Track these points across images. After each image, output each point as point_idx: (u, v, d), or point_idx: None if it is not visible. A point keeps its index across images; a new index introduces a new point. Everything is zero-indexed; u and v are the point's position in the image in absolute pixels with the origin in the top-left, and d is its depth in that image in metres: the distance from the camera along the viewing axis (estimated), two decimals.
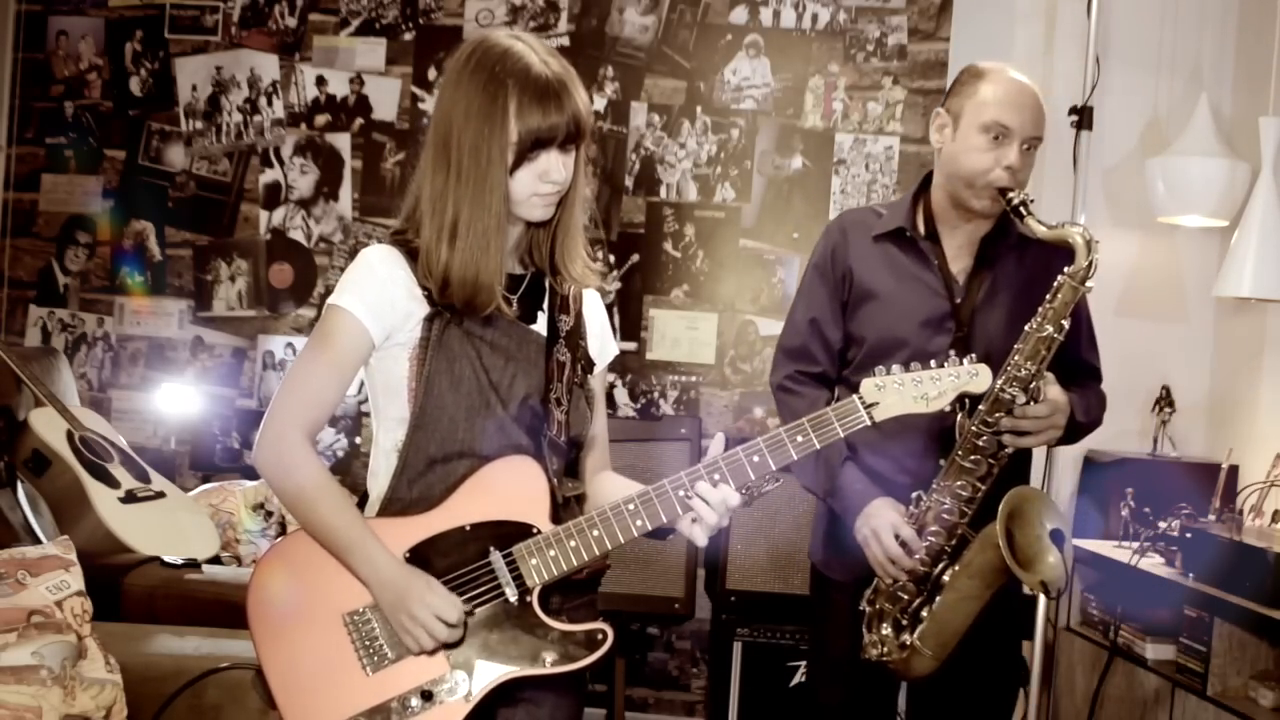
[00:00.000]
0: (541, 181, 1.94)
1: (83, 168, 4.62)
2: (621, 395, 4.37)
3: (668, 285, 4.43)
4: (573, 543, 1.93)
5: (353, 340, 1.95)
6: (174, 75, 4.57)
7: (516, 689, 1.96)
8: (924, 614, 2.49)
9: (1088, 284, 2.40)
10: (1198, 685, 2.98)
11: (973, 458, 2.43)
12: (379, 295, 1.95)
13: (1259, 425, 3.64)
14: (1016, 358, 2.41)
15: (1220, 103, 3.83)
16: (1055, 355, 2.44)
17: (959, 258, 2.60)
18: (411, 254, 1.97)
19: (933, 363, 2.00)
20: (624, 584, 3.84)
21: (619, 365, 4.34)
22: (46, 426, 3.49)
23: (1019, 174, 2.50)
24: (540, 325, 2.04)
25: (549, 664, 1.92)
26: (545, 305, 2.06)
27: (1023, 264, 2.58)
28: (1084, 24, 3.79)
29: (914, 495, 2.50)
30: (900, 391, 1.96)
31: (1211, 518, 3.24)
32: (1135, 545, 3.25)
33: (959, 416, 2.45)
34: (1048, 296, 2.41)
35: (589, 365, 2.10)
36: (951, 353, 2.05)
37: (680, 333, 4.43)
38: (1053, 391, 2.43)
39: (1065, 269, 2.40)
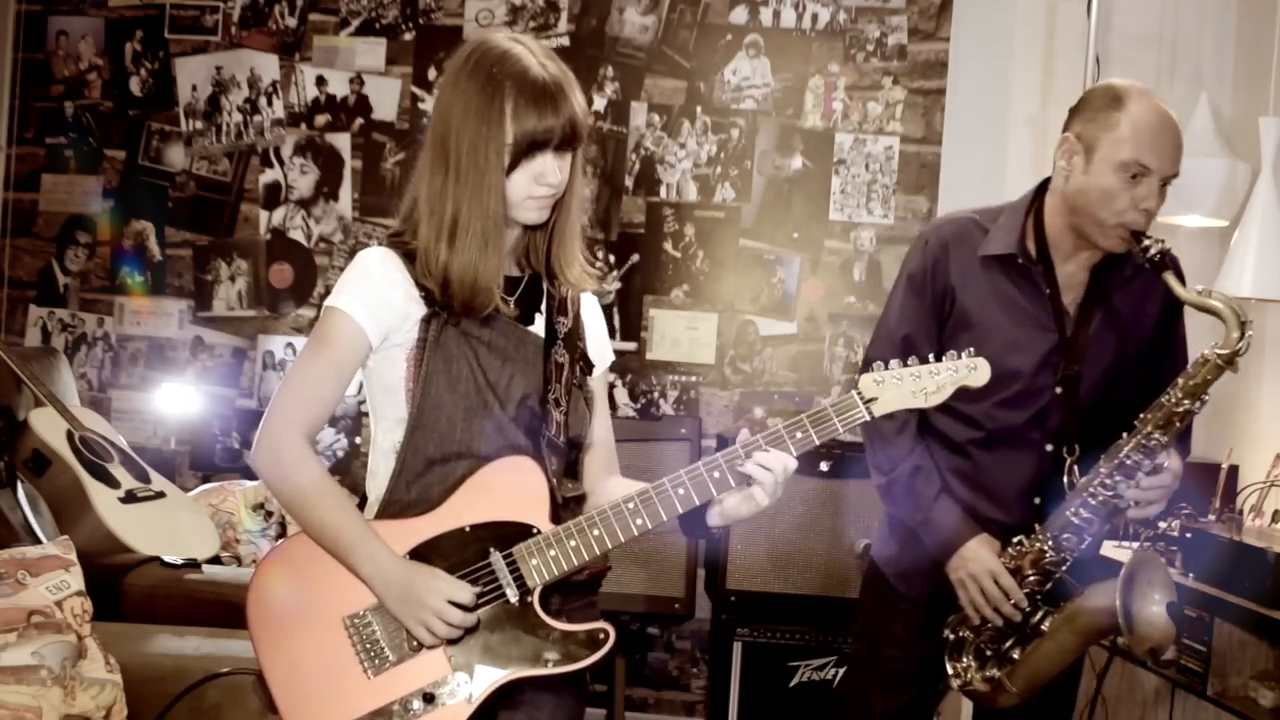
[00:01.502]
0: (537, 184, 1.94)
1: (83, 168, 4.62)
2: (621, 395, 4.37)
3: (668, 285, 4.43)
4: (573, 542, 1.93)
5: (350, 341, 1.96)
6: (174, 75, 4.57)
7: (517, 691, 1.95)
8: (1015, 654, 2.44)
9: (1235, 364, 2.29)
10: (1198, 685, 2.98)
11: (1085, 515, 2.38)
12: (376, 297, 1.95)
13: (1259, 425, 3.64)
14: (1148, 427, 2.32)
15: (1220, 103, 3.83)
16: (1145, 374, 2.42)
17: (1070, 287, 2.46)
18: (409, 255, 1.97)
19: (930, 357, 1.96)
20: (624, 584, 3.84)
21: (619, 365, 4.34)
22: (46, 426, 3.49)
23: (1152, 216, 2.37)
24: (538, 327, 2.04)
25: (551, 664, 1.92)
26: (543, 307, 2.06)
27: (1131, 293, 2.47)
28: (1084, 24, 3.79)
29: (1015, 540, 2.44)
30: (899, 387, 1.94)
31: (1211, 518, 3.24)
32: (1135, 545, 3.24)
33: (1069, 460, 2.40)
34: (1189, 369, 2.31)
35: (588, 367, 2.10)
36: (952, 352, 1.99)
37: (680, 333, 4.43)
38: (1174, 462, 2.37)
39: (1214, 346, 2.29)
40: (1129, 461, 2.33)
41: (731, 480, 1.93)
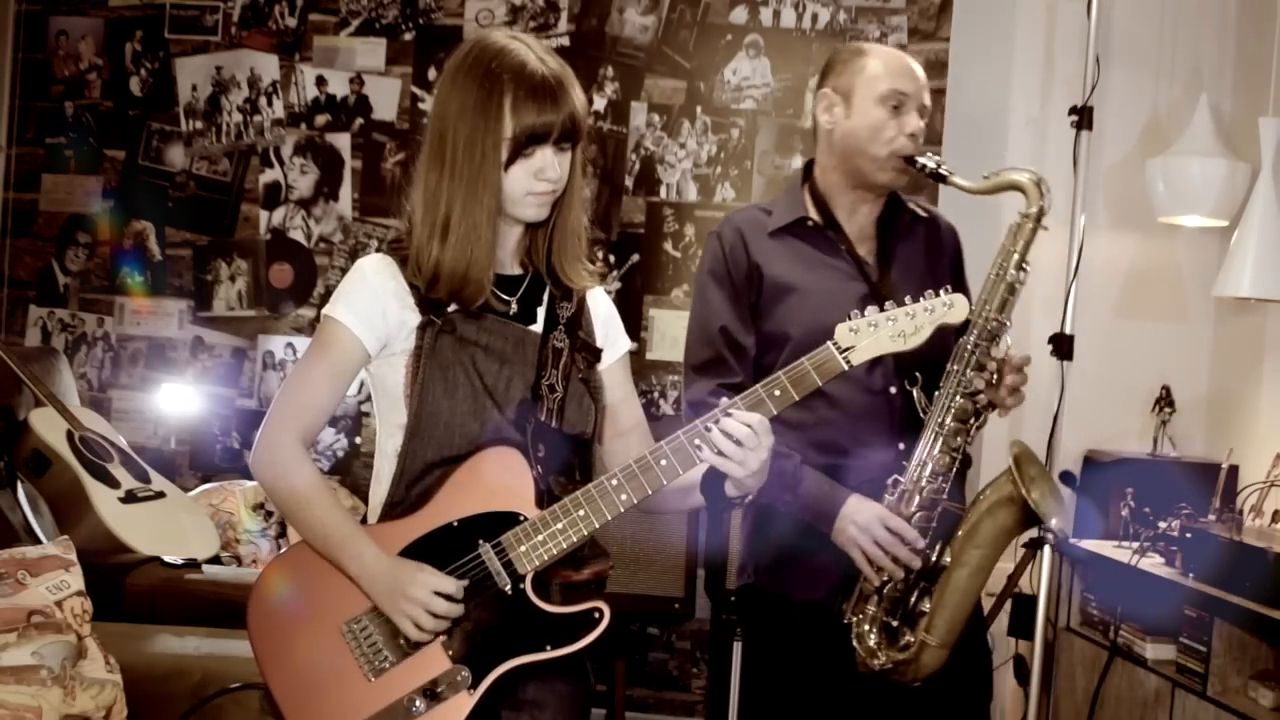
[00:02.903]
0: (536, 179, 1.95)
1: (83, 168, 4.62)
2: None
3: (668, 285, 4.43)
4: (559, 525, 1.92)
5: (346, 350, 1.98)
6: (174, 75, 4.57)
7: (520, 690, 1.96)
8: (924, 605, 2.38)
9: (1042, 221, 2.37)
10: (1198, 685, 2.98)
11: (950, 424, 2.37)
12: (370, 306, 1.97)
13: (1259, 425, 3.64)
14: (987, 310, 2.37)
15: (1220, 103, 3.83)
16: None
17: (861, 241, 2.54)
18: (405, 261, 1.99)
19: (907, 299, 1.94)
20: (624, 584, 3.84)
21: None
22: (46, 426, 3.49)
23: (919, 140, 2.48)
24: (538, 325, 2.04)
25: (549, 648, 1.92)
26: (544, 302, 2.05)
27: (918, 240, 2.57)
28: (1084, 24, 3.79)
29: (891, 479, 2.39)
30: (876, 333, 1.91)
31: (1211, 518, 3.24)
32: (1135, 545, 3.25)
33: (914, 391, 2.41)
34: (1005, 242, 2.39)
35: (593, 353, 2.09)
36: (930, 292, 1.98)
37: (680, 333, 4.39)
38: (1017, 353, 2.39)
39: (1019, 211, 2.38)
40: (978, 351, 2.36)
41: (713, 446, 1.91)
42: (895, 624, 2.40)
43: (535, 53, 1.96)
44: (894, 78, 2.47)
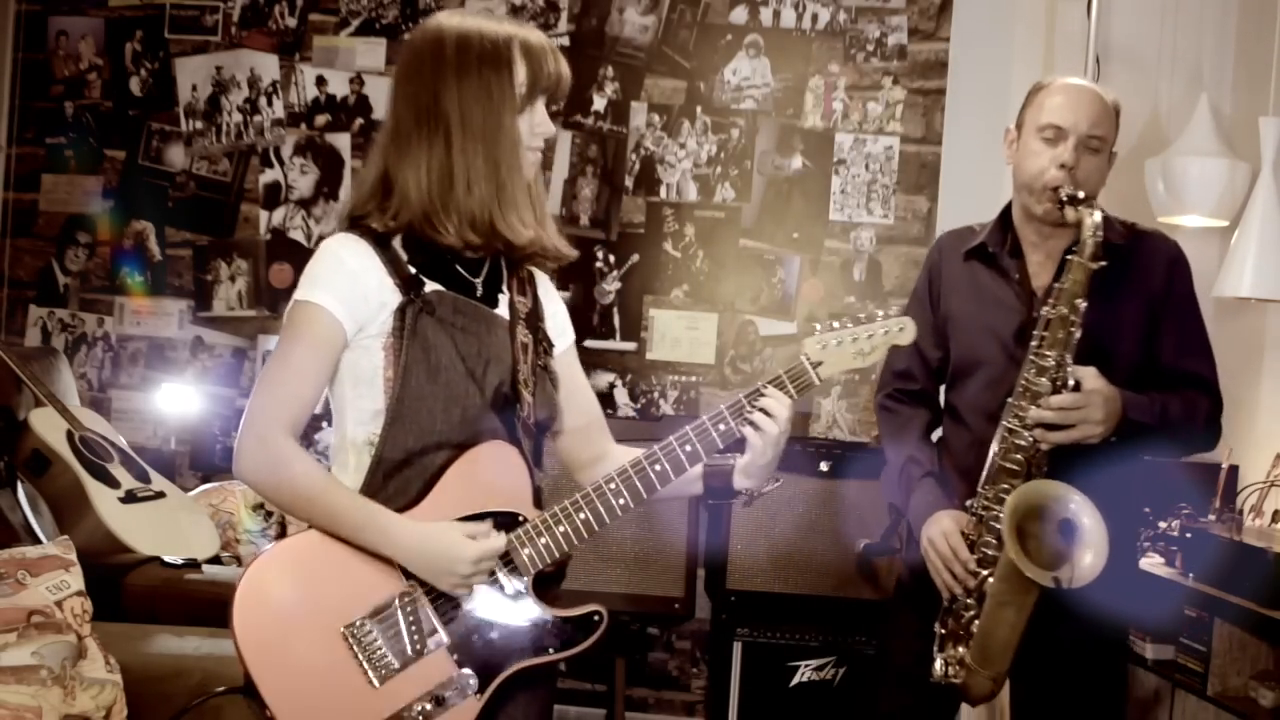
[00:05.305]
0: (532, 134, 1.97)
1: (83, 168, 4.62)
2: (621, 395, 4.37)
3: (668, 285, 4.43)
4: (562, 529, 1.93)
5: (327, 335, 1.91)
6: (174, 75, 4.57)
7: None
8: (973, 628, 2.41)
9: (1093, 261, 2.33)
10: (1198, 685, 2.98)
11: (1013, 457, 2.37)
12: (351, 288, 1.91)
13: (1259, 425, 3.64)
14: (1037, 345, 2.36)
15: (1220, 103, 3.83)
16: (1146, 362, 2.45)
17: (1041, 273, 2.53)
18: (378, 240, 1.94)
19: (861, 316, 2.03)
20: (624, 584, 3.84)
21: (619, 365, 4.34)
22: (46, 426, 3.49)
23: (1076, 172, 2.44)
24: (502, 309, 2.02)
25: (552, 651, 1.93)
26: (504, 289, 2.04)
27: (1106, 277, 2.45)
28: (1084, 24, 3.80)
29: (968, 503, 2.44)
30: (840, 350, 2.01)
31: (1211, 518, 3.24)
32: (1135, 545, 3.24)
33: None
34: (1061, 277, 2.38)
35: (549, 346, 2.08)
36: (879, 311, 2.06)
37: (680, 333, 4.42)
38: (1089, 381, 2.33)
39: (1073, 248, 2.38)
40: (1033, 387, 2.36)
41: (718, 442, 1.97)
42: (962, 635, 2.43)
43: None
44: (1052, 111, 2.48)
